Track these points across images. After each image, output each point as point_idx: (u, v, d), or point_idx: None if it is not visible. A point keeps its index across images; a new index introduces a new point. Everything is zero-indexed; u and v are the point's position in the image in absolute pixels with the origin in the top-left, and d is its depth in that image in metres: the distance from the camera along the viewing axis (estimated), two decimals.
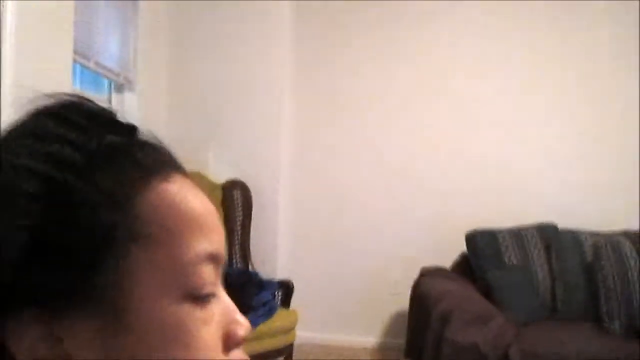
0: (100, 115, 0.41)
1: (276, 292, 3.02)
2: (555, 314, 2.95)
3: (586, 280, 2.94)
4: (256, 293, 2.77)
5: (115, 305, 0.36)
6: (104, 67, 2.70)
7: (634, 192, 3.38)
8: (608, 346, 2.51)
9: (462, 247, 3.19)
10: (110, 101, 2.89)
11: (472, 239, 3.12)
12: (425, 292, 2.82)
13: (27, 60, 2.06)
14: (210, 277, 0.39)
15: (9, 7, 1.96)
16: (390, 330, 3.62)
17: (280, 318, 2.81)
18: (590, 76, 3.54)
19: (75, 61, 2.41)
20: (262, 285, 2.90)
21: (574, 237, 3.11)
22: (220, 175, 3.25)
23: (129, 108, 2.92)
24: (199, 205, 0.41)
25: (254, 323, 2.52)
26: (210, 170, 3.23)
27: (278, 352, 2.83)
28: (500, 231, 3.15)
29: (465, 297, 2.66)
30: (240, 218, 3.22)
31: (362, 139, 3.69)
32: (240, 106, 3.38)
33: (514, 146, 3.59)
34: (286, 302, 3.06)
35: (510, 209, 3.48)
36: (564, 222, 3.25)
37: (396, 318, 3.60)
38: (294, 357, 2.98)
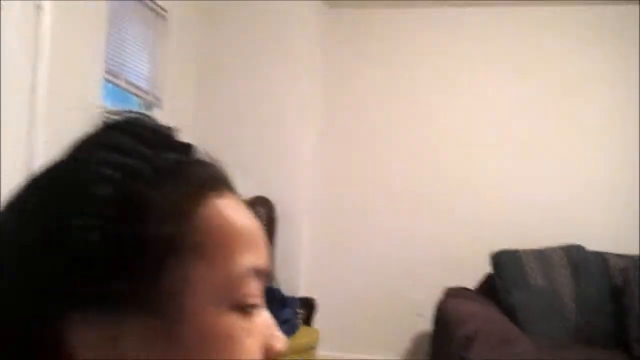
0: (162, 132, 0.44)
1: (298, 310, 3.01)
2: (581, 338, 2.88)
3: (613, 303, 2.86)
4: (278, 310, 2.77)
5: (172, 311, 0.38)
6: (134, 85, 2.77)
7: None
8: None
9: (487, 268, 3.14)
10: None
11: (497, 259, 3.07)
12: (449, 313, 2.78)
13: (61, 78, 2.13)
14: (255, 290, 0.42)
15: (45, 28, 2.03)
16: (413, 351, 3.57)
17: (301, 336, 2.80)
18: (620, 99, 3.49)
19: (106, 80, 2.48)
20: (284, 302, 2.90)
21: (601, 259, 3.04)
22: (244, 192, 3.27)
23: None
24: (248, 222, 0.44)
25: None
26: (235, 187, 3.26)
27: None
28: (525, 252, 3.10)
29: (489, 319, 2.62)
30: (264, 234, 3.23)
31: (387, 159, 3.68)
32: (266, 124, 3.42)
33: (539, 167, 3.54)
34: (308, 320, 3.05)
35: (535, 230, 3.42)
36: (590, 244, 3.18)
37: (419, 339, 3.55)
38: None
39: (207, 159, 0.46)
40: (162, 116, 3.04)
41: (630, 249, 3.12)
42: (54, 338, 0.37)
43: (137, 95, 2.88)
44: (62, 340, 0.37)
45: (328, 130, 3.74)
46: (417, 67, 3.69)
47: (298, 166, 3.46)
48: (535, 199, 3.52)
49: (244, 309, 0.40)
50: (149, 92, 2.93)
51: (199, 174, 0.43)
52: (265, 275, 0.43)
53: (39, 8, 2.02)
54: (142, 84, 2.86)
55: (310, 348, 2.85)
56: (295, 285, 3.32)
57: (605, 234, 3.34)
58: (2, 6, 1.87)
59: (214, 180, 0.44)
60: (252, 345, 0.41)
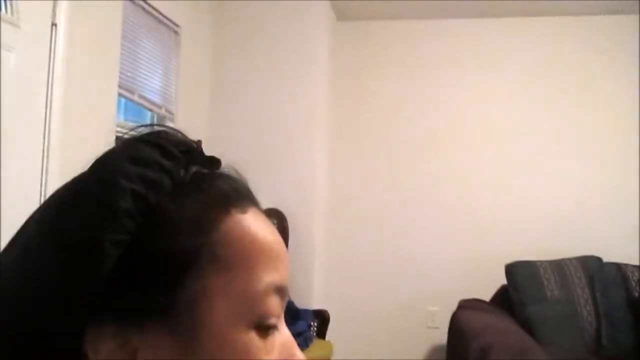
0: (187, 145, 0.44)
1: (312, 322, 3.00)
2: (600, 351, 2.83)
3: (633, 316, 2.81)
4: (291, 323, 2.76)
5: (191, 325, 0.38)
6: (147, 100, 2.80)
7: None
8: None
9: (502, 279, 3.11)
10: None
11: (512, 270, 3.04)
12: (463, 325, 2.75)
13: (76, 94, 2.16)
14: (276, 309, 0.41)
15: (60, 45, 2.07)
16: None
17: (315, 349, 2.78)
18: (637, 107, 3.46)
19: (120, 95, 2.51)
20: (297, 314, 2.89)
21: (619, 271, 3.00)
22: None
23: None
24: (270, 237, 0.43)
25: None
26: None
27: None
28: (542, 263, 3.06)
29: (504, 331, 2.58)
30: (286, 251, 3.23)
31: (399, 170, 3.68)
32: (278, 137, 3.43)
33: (555, 178, 3.52)
34: (321, 332, 3.03)
35: (551, 242, 3.39)
36: (607, 256, 3.14)
37: (433, 351, 3.51)
38: None
39: (232, 173, 0.46)
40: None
41: None
42: (74, 349, 0.37)
43: (150, 110, 2.91)
44: (82, 352, 0.37)
45: (339, 141, 3.75)
46: (427, 78, 3.70)
47: (310, 178, 3.46)
48: (551, 210, 3.49)
49: (264, 327, 0.40)
50: (162, 107, 2.96)
51: (222, 188, 0.43)
52: (286, 293, 0.43)
53: (54, 26, 2.06)
54: (156, 99, 2.89)
55: None
56: (308, 297, 3.31)
57: (622, 245, 3.29)
58: (19, 25, 1.90)
59: (237, 194, 0.43)
60: None
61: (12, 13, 1.89)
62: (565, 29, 3.59)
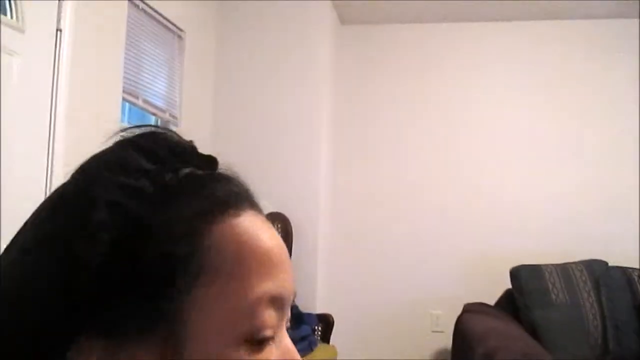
0: (180, 147, 0.42)
1: (316, 327, 2.99)
2: (605, 356, 2.81)
3: (639, 320, 2.79)
4: (296, 327, 2.76)
5: (177, 339, 0.36)
6: (151, 105, 2.81)
7: None
8: None
9: (506, 283, 3.10)
10: None
11: (517, 274, 3.02)
12: (468, 329, 2.74)
13: (80, 99, 2.17)
14: (270, 320, 0.38)
15: (64, 50, 2.08)
16: None
17: (319, 353, 2.77)
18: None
19: (124, 99, 2.52)
20: (301, 319, 2.89)
21: (625, 275, 2.98)
22: (263, 208, 3.28)
23: None
24: (268, 244, 0.40)
25: None
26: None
27: None
28: (547, 267, 3.05)
29: (510, 336, 2.57)
30: (288, 257, 3.22)
31: (403, 174, 3.67)
32: (282, 142, 3.43)
33: (559, 182, 3.50)
34: (326, 336, 3.03)
35: (556, 246, 3.37)
36: (612, 260, 3.12)
37: (438, 355, 3.50)
38: None
39: (230, 174, 0.43)
40: (180, 134, 3.08)
41: None
42: None
43: (154, 115, 2.92)
44: None
45: (343, 145, 3.75)
46: (430, 81, 3.70)
47: (314, 182, 3.46)
48: (556, 213, 3.48)
49: (256, 340, 0.37)
50: (166, 111, 2.97)
51: (214, 192, 0.40)
52: (285, 302, 0.40)
53: (59, 31, 2.06)
54: (160, 103, 2.90)
55: None
56: (312, 301, 3.30)
57: (628, 249, 3.27)
58: (24, 30, 1.91)
59: (231, 197, 0.41)
60: None
61: (16, 18, 1.90)
62: (567, 33, 3.58)
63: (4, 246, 0.40)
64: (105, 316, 0.36)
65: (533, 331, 2.71)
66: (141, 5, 2.65)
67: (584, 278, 3.00)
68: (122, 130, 0.42)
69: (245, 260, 0.38)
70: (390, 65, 3.75)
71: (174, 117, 3.04)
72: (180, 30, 3.04)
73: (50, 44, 2.04)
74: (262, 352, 0.38)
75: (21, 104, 1.90)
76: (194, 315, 0.36)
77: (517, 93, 3.60)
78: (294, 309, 2.98)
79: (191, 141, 0.43)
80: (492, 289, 3.21)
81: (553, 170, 3.52)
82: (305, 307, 3.09)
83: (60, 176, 1.98)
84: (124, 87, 2.49)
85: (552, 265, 3.06)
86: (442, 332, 3.39)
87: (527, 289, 2.97)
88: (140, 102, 2.69)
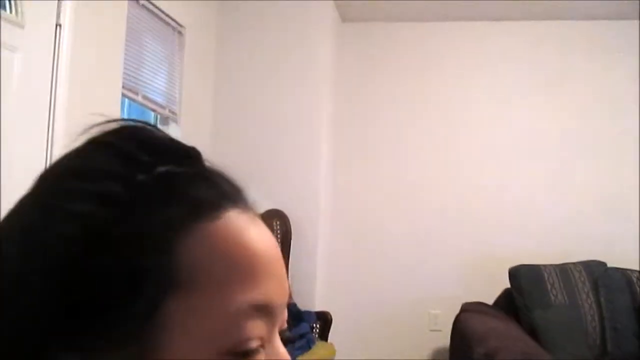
0: (157, 142, 0.37)
1: (314, 324, 2.99)
2: (604, 357, 2.81)
3: (638, 322, 2.79)
4: (294, 325, 2.75)
5: (151, 355, 0.33)
6: (151, 101, 2.80)
7: None
8: None
9: (505, 283, 3.10)
10: None
11: (516, 274, 3.02)
12: (467, 329, 2.74)
13: (80, 95, 2.16)
14: (256, 331, 0.35)
15: (64, 45, 2.07)
16: None
17: (318, 351, 2.77)
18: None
19: (124, 95, 2.51)
20: (300, 316, 2.88)
21: (624, 276, 2.98)
22: (260, 206, 3.28)
23: None
24: (251, 247, 0.36)
25: (291, 356, 2.50)
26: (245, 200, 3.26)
27: None
28: (546, 267, 3.04)
29: (509, 336, 2.57)
30: (279, 248, 3.22)
31: (403, 172, 3.67)
32: (282, 139, 3.43)
33: (558, 183, 3.50)
34: (324, 334, 3.02)
35: (555, 246, 3.37)
36: (611, 261, 3.12)
37: (436, 354, 3.50)
38: None
39: (213, 171, 0.38)
40: (180, 131, 3.08)
41: None
42: None
43: (154, 111, 2.91)
44: None
45: (343, 143, 3.74)
46: (431, 80, 3.69)
47: (314, 180, 3.46)
48: (555, 213, 3.47)
49: (241, 352, 0.34)
50: (166, 107, 2.96)
51: (191, 193, 0.35)
52: (274, 308, 0.36)
53: (58, 26, 2.06)
54: (160, 100, 2.89)
55: None
56: (310, 299, 3.30)
57: (626, 250, 3.27)
58: (23, 25, 1.90)
59: (210, 197, 0.36)
60: None
61: (16, 14, 1.90)
62: (567, 33, 3.57)
63: None
64: (71, 335, 0.32)
65: (531, 331, 2.71)
66: (141, 1, 2.65)
67: (582, 279, 3.00)
68: (92, 127, 0.37)
69: (221, 269, 0.34)
70: (391, 64, 3.74)
71: (173, 113, 3.03)
72: (181, 26, 3.03)
73: (50, 39, 2.03)
74: None
75: (21, 99, 1.89)
76: (167, 331, 0.33)
77: (517, 93, 3.60)
78: (293, 307, 2.97)
79: (171, 136, 0.38)
80: (490, 288, 3.21)
81: (553, 171, 3.52)
82: (304, 305, 3.09)
83: None
84: (123, 83, 2.48)
85: (551, 265, 3.06)
86: (439, 331, 3.39)
87: (526, 289, 2.96)
88: (139, 98, 2.68)
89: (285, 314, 0.40)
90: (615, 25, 3.49)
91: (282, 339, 0.39)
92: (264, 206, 3.30)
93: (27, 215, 0.36)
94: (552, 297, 2.94)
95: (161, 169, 0.35)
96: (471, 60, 3.66)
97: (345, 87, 3.76)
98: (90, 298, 0.32)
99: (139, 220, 0.33)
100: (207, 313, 0.33)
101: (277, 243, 0.40)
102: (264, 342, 0.36)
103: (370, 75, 3.76)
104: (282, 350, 0.38)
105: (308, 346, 2.73)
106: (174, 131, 3.07)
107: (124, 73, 2.49)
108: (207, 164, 0.39)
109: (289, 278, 3.22)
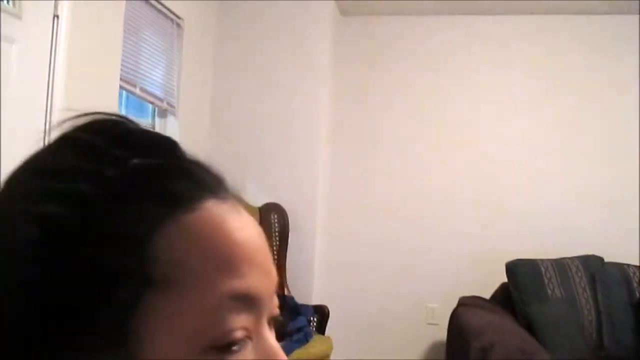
0: (128, 136, 0.36)
1: (312, 318, 2.99)
2: (600, 352, 2.82)
3: (635, 317, 2.80)
4: (291, 318, 2.76)
5: (132, 356, 0.32)
6: (149, 94, 2.79)
7: None
8: None
9: (502, 277, 3.11)
10: (153, 126, 2.98)
11: (513, 268, 3.03)
12: (464, 322, 2.75)
13: (77, 86, 2.15)
14: (240, 322, 0.34)
15: (62, 37, 2.06)
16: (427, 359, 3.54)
17: (315, 344, 2.78)
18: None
19: (121, 87, 2.50)
20: (297, 310, 2.89)
21: (621, 271, 2.99)
22: (258, 200, 3.28)
23: (171, 133, 2.99)
24: (233, 236, 0.35)
25: (288, 349, 2.51)
26: (248, 195, 3.27)
27: None
28: (543, 261, 3.05)
29: (505, 330, 2.58)
30: (277, 242, 3.23)
31: (400, 167, 3.67)
32: (280, 132, 3.42)
33: (556, 178, 3.50)
34: (321, 328, 3.03)
35: (553, 240, 3.38)
36: (608, 256, 3.13)
37: (433, 347, 3.51)
38: None
39: (191, 162, 0.37)
40: (178, 124, 3.07)
41: None
42: None
43: (152, 104, 2.90)
44: None
45: (342, 137, 3.74)
46: (431, 74, 3.69)
47: (311, 174, 3.46)
48: (552, 208, 3.48)
49: (225, 345, 0.33)
50: (164, 100, 2.95)
51: (166, 186, 0.34)
52: (259, 299, 0.35)
53: (56, 17, 2.05)
54: (158, 92, 2.88)
55: (325, 356, 2.83)
56: (308, 293, 3.31)
57: (624, 245, 3.28)
58: (21, 16, 1.89)
59: (186, 188, 0.35)
60: None
61: (14, 5, 1.88)
62: (567, 28, 3.56)
63: None
64: (48, 342, 0.31)
65: (528, 325, 2.72)
66: None
67: (579, 273, 3.01)
68: (64, 121, 0.36)
69: (202, 262, 0.33)
70: (391, 58, 3.73)
71: (171, 106, 3.02)
72: (179, 18, 3.02)
73: (47, 30, 2.02)
74: (235, 354, 0.34)
75: (18, 90, 1.88)
76: (147, 330, 0.32)
77: (516, 88, 3.59)
78: (290, 301, 2.98)
79: (147, 127, 0.37)
80: (488, 283, 3.22)
81: (550, 166, 3.52)
82: (301, 299, 3.09)
83: None
84: (121, 75, 2.47)
85: (548, 260, 3.07)
86: (437, 324, 3.40)
87: (522, 284, 2.97)
88: (137, 91, 2.67)
89: (274, 304, 0.39)
90: (615, 20, 3.49)
91: (278, 333, 0.38)
92: (262, 200, 3.30)
93: None
94: (549, 292, 2.95)
95: (134, 162, 0.34)
96: (471, 54, 3.66)
97: (344, 81, 3.75)
98: (61, 303, 0.31)
99: (110, 218, 0.32)
100: (187, 309, 0.32)
101: (261, 231, 0.39)
102: (250, 333, 0.35)
103: (370, 68, 3.75)
104: (271, 340, 0.37)
105: (305, 340, 2.74)
106: (172, 124, 3.06)
107: (122, 65, 2.48)
108: (184, 154, 0.37)
109: (286, 272, 3.23)
